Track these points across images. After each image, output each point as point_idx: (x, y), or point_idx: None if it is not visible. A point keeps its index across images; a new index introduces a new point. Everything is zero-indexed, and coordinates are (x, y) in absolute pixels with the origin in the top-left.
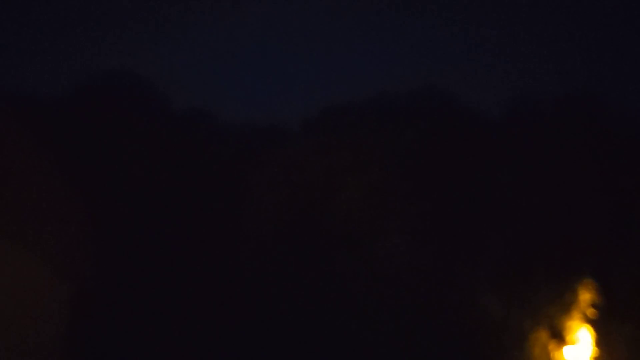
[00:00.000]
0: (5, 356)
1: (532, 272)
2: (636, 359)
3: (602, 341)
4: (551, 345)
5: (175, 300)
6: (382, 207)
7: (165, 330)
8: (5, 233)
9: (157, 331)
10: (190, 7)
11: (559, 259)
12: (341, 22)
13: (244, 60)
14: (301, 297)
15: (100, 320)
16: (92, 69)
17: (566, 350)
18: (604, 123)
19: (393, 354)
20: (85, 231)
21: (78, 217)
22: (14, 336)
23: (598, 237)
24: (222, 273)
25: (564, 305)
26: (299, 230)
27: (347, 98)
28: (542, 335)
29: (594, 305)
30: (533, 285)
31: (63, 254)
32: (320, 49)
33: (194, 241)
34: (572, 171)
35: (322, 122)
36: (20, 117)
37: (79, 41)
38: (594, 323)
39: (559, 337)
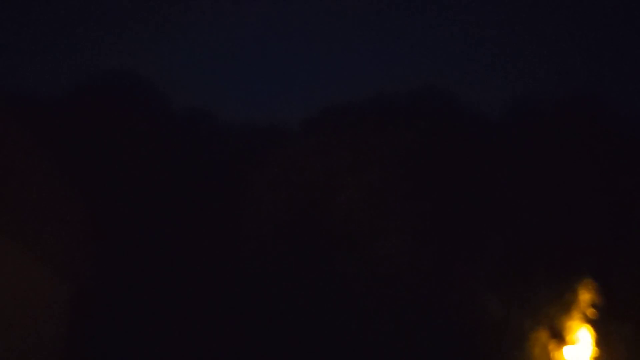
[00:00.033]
0: (5, 356)
1: (532, 272)
2: (636, 359)
3: (602, 341)
4: (551, 345)
5: (175, 300)
6: (382, 207)
7: (166, 330)
8: (5, 233)
9: (158, 331)
10: (190, 7)
11: (559, 259)
12: (341, 22)
13: (244, 60)
14: (301, 297)
15: (100, 320)
16: (92, 68)
17: (566, 350)
18: (604, 123)
19: (393, 354)
20: (85, 231)
21: (78, 217)
22: (14, 336)
23: (598, 237)
24: (222, 273)
25: (564, 305)
26: (299, 230)
27: (347, 98)
28: (542, 335)
29: (594, 305)
30: (533, 285)
31: (63, 254)
32: (320, 49)
33: (194, 241)
34: (572, 171)
35: (322, 122)
36: (20, 117)
37: (79, 41)
38: (594, 323)
39: (559, 337)
